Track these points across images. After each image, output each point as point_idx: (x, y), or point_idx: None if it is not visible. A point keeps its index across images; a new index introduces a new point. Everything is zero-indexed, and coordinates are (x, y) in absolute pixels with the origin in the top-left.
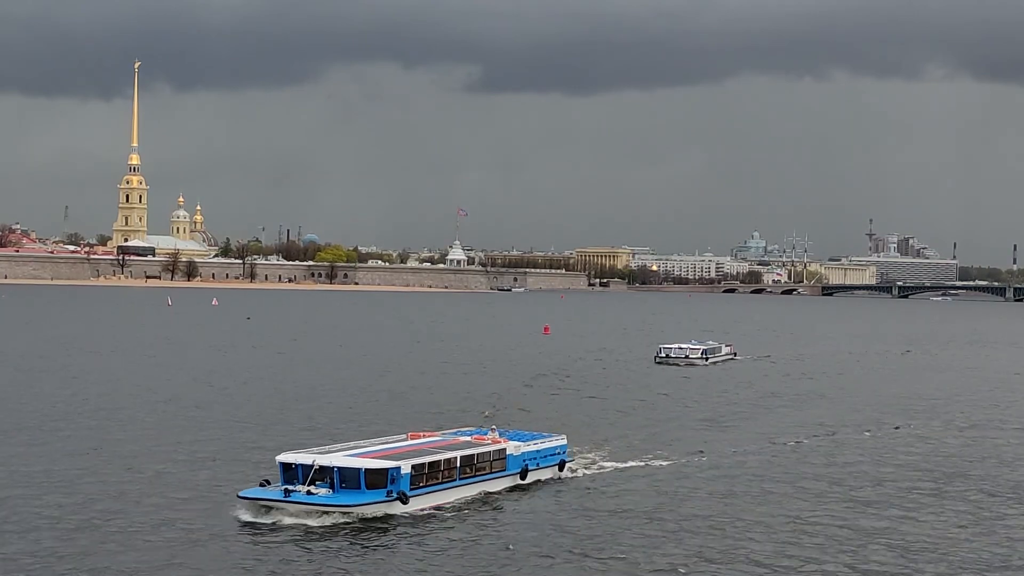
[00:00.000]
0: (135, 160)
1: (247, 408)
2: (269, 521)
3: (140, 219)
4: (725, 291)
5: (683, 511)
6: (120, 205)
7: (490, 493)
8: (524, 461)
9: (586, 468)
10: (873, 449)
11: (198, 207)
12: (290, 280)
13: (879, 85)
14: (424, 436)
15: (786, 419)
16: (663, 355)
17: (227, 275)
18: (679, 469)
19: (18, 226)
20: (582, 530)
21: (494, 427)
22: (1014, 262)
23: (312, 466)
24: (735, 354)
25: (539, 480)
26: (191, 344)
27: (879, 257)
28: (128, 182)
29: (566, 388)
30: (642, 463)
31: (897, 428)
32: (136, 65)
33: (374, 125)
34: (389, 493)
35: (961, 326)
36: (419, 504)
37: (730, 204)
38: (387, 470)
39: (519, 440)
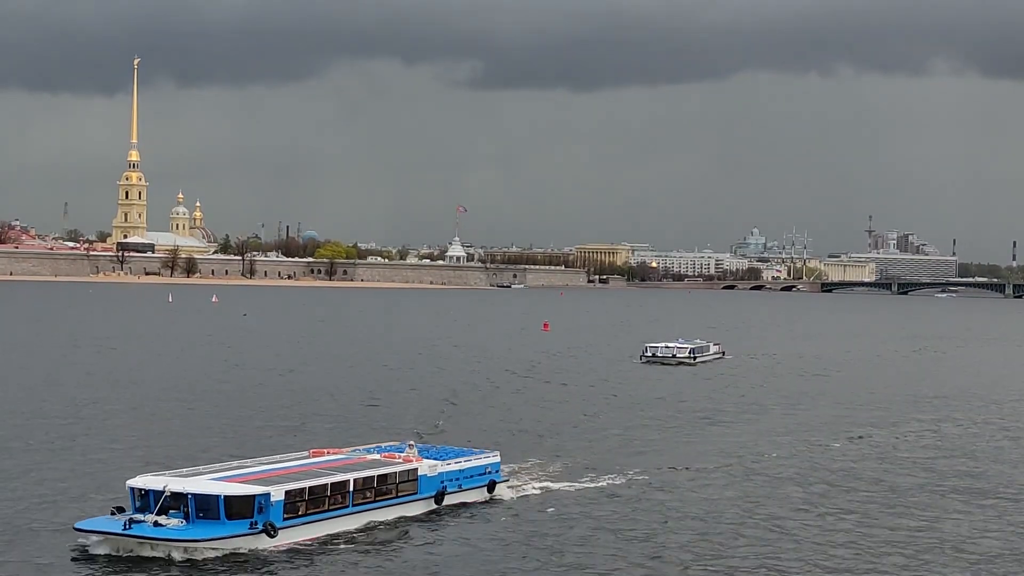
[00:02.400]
0: (135, 156)
1: (167, 413)
2: (103, 553)
3: (140, 216)
4: (724, 288)
5: (627, 546)
6: (120, 202)
7: (392, 522)
8: (441, 482)
9: (523, 489)
10: (867, 458)
11: (198, 204)
12: (289, 277)
13: (884, 80)
14: (328, 453)
15: (767, 425)
16: (649, 354)
17: (226, 272)
18: (635, 490)
19: (18, 223)
20: (496, 569)
21: (412, 443)
22: (1013, 259)
23: (163, 492)
24: (723, 353)
25: (461, 504)
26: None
27: (879, 254)
28: (128, 179)
29: (535, 391)
30: (594, 483)
31: (907, 432)
32: (136, 62)
33: (376, 121)
34: (253, 524)
35: (967, 323)
36: (292, 537)
37: (730, 201)
38: (253, 497)
39: (441, 457)
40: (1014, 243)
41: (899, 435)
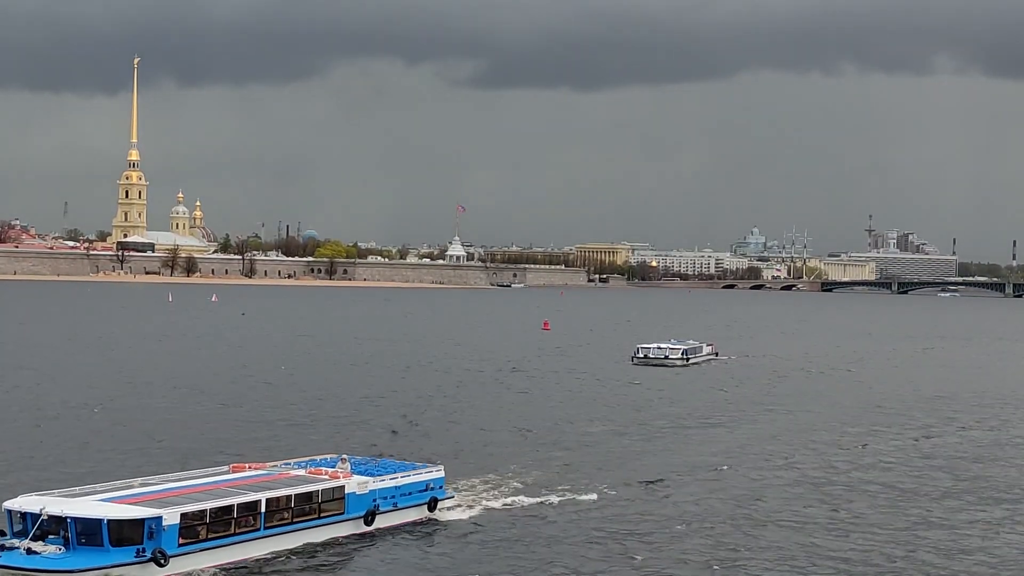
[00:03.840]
0: (134, 156)
1: (102, 421)
2: None
3: (139, 215)
4: (724, 287)
5: (584, 573)
6: (120, 201)
7: (312, 545)
8: (373, 501)
9: (471, 507)
10: (857, 469)
11: (198, 203)
12: (289, 276)
13: (887, 79)
14: (249, 468)
15: (754, 432)
16: (641, 355)
17: (226, 271)
18: (602, 507)
19: (17, 222)
20: None
21: (345, 457)
22: (1013, 258)
23: (40, 514)
24: (717, 354)
25: (395, 526)
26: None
27: (878, 253)
28: (128, 178)
29: (513, 395)
30: (556, 498)
31: (912, 438)
32: (136, 61)
33: (377, 121)
34: (140, 552)
35: (976, 322)
36: (187, 565)
37: (730, 200)
38: (141, 521)
39: (377, 473)
40: (1014, 242)
41: (910, 440)
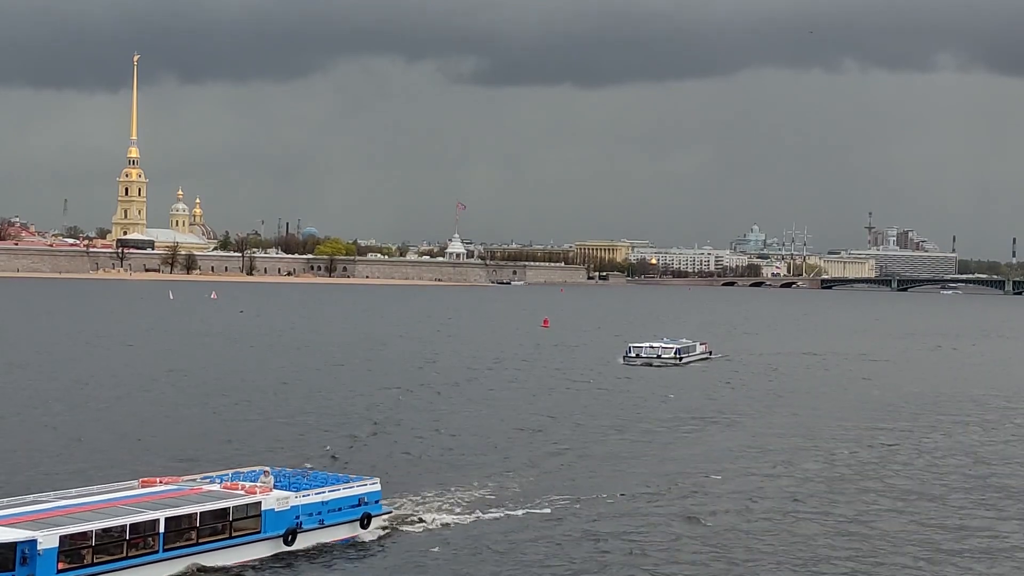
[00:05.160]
0: (134, 153)
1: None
2: None
3: (139, 212)
4: (724, 284)
5: None
6: (119, 198)
7: (222, 568)
8: (295, 518)
9: (410, 524)
10: (846, 479)
11: (197, 200)
12: (289, 273)
13: (890, 76)
14: (160, 483)
15: (741, 437)
16: (632, 354)
17: (226, 268)
18: (558, 524)
19: (17, 219)
20: None
21: (267, 469)
22: (1013, 255)
23: None
24: (711, 352)
25: (321, 544)
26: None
27: (878, 250)
28: (127, 175)
29: (486, 399)
30: (508, 513)
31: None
32: (136, 58)
33: (377, 118)
34: None
35: (983, 320)
36: None
37: (730, 197)
38: (13, 545)
39: (304, 487)
40: (1014, 240)
41: (910, 440)
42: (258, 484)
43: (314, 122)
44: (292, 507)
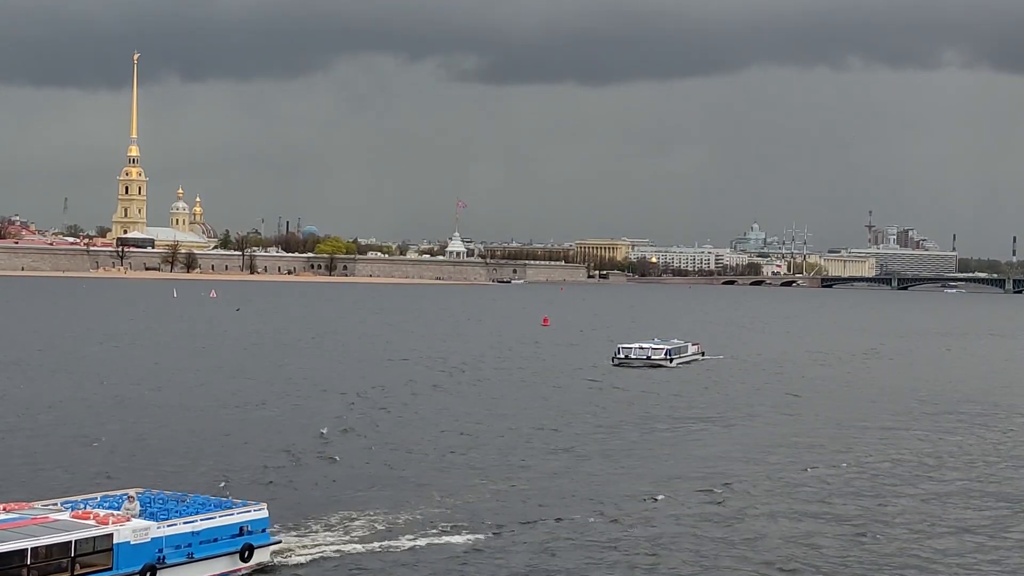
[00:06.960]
0: (134, 152)
1: None
2: None
3: (139, 211)
4: (724, 283)
5: None
6: (120, 197)
7: None
8: (157, 551)
9: (300, 555)
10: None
11: (198, 199)
12: (289, 272)
13: (893, 74)
14: (5, 510)
15: (725, 446)
16: (622, 356)
17: (226, 267)
18: (479, 553)
19: (17, 218)
20: None
21: (133, 494)
22: (1013, 254)
23: None
24: (703, 353)
25: None
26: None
27: (878, 249)
28: (127, 174)
29: (451, 404)
30: (424, 540)
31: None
32: (135, 57)
33: (379, 116)
34: None
35: (989, 320)
36: None
37: (730, 196)
38: None
39: (177, 515)
40: (1014, 238)
41: (908, 441)
42: (118, 512)
43: (315, 120)
44: (153, 539)
